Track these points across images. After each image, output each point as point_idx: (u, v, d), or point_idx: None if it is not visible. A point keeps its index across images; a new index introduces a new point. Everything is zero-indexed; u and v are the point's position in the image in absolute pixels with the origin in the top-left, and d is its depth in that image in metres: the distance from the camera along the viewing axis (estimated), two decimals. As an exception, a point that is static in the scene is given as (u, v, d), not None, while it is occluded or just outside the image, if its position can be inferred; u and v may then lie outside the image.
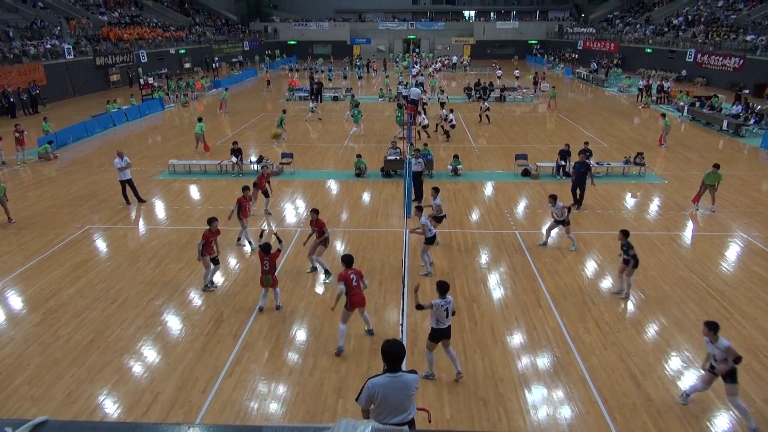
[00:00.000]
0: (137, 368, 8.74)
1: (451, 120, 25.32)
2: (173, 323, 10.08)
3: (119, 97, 35.43)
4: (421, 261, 12.08)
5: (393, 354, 5.01)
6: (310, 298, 10.99)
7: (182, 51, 54.68)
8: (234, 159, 19.48)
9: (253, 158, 20.56)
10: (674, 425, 7.47)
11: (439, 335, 8.18)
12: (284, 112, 26.63)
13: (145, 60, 47.63)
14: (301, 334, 9.71)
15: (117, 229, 14.73)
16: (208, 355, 9.06)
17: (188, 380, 8.41)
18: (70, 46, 38.71)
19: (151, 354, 9.12)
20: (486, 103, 29.38)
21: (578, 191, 15.91)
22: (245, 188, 13.31)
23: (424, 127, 25.31)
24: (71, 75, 38.67)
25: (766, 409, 7.77)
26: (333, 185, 18.47)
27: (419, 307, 8.06)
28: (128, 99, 33.96)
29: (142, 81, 38.83)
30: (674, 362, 8.86)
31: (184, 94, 37.54)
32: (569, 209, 13.14)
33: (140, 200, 16.60)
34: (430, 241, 11.86)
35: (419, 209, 12.08)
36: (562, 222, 13.01)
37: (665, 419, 7.58)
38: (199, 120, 22.68)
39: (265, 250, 10.11)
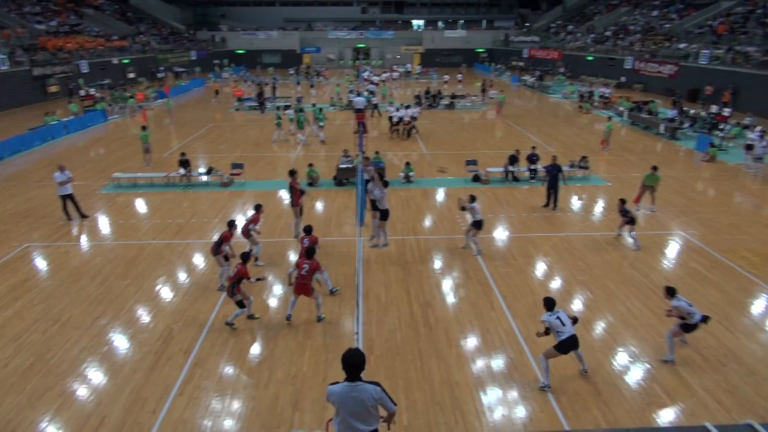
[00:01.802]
0: (82, 391, 8.38)
1: (401, 117, 27.00)
2: (120, 342, 9.72)
3: (59, 109, 34.07)
4: (379, 234, 13.29)
5: (351, 364, 5.00)
6: (263, 311, 10.82)
7: (126, 61, 53.14)
8: (182, 171, 19.03)
9: (202, 169, 20.14)
10: (622, 417, 7.73)
11: (566, 347, 8.17)
12: (302, 111, 27.11)
13: (87, 70, 46.00)
14: (255, 348, 9.54)
15: (58, 246, 14.11)
16: (158, 373, 8.78)
17: (137, 401, 8.12)
18: (5, 57, 37.01)
19: (96, 376, 8.76)
20: (416, 109, 28.61)
21: (552, 193, 16.46)
22: (258, 206, 13.12)
23: (395, 123, 27.39)
24: (6, 86, 36.93)
25: (707, 397, 8.14)
26: (285, 195, 18.27)
27: (546, 332, 8.29)
28: (68, 110, 32.73)
29: (82, 92, 37.48)
30: (621, 357, 9.17)
31: (130, 97, 36.28)
32: (479, 221, 13.19)
33: (83, 216, 15.97)
34: (385, 215, 12.79)
35: (385, 183, 13.01)
36: (480, 223, 13.14)
37: (614, 412, 7.83)
38: (143, 129, 22.05)
39: (243, 259, 10.08)
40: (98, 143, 27.16)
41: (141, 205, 17.40)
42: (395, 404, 5.30)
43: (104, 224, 15.71)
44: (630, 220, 13.57)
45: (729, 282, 11.84)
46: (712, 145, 22.89)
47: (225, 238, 11.34)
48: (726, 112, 26.05)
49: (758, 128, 22.20)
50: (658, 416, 7.80)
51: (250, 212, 16.32)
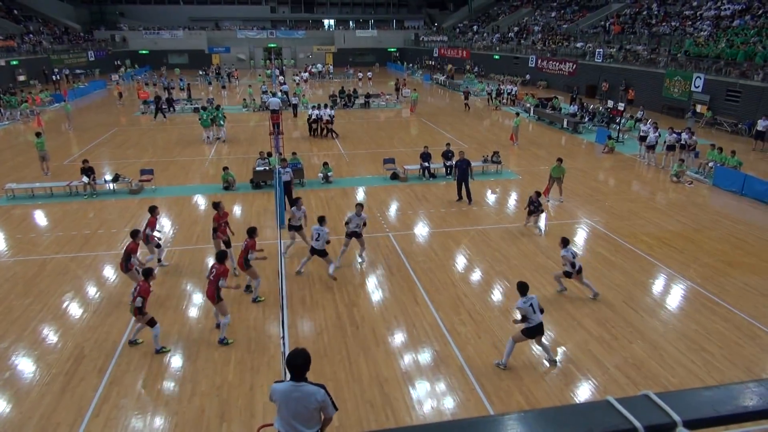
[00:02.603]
0: (-18, 423, 7.68)
1: (320, 115, 27.01)
2: (24, 366, 8.99)
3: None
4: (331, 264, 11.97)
5: (294, 364, 4.97)
6: (183, 320, 10.41)
7: (14, 62, 49.09)
8: (85, 179, 17.86)
9: (108, 177, 19.02)
10: (543, 399, 8.14)
11: (533, 332, 8.54)
12: (218, 107, 27.09)
13: (-32, 73, 42.07)
14: (176, 360, 9.15)
15: (-55, 266, 12.83)
16: (70, 396, 8.21)
17: (47, 427, 7.55)
18: None
19: (-2, 404, 8.07)
20: (328, 111, 28.04)
21: (463, 187, 16.90)
22: (152, 208, 12.39)
23: (313, 121, 27.17)
24: None
25: (617, 373, 8.74)
26: (200, 200, 17.67)
27: (523, 320, 8.58)
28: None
29: (-35, 97, 34.21)
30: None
31: (30, 110, 33.48)
32: (365, 223, 12.77)
33: (-27, 232, 14.62)
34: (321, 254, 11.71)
35: (321, 219, 11.80)
36: (355, 234, 12.57)
37: (535, 395, 8.23)
38: (38, 135, 20.44)
39: (145, 275, 9.37)
40: (-13, 152, 24.91)
41: (41, 218, 16.18)
42: (336, 409, 5.27)
43: (-2, 240, 14.48)
44: (534, 210, 14.70)
45: (631, 264, 12.76)
46: (610, 137, 24.56)
47: (131, 251, 10.75)
48: (620, 106, 27.97)
49: (649, 120, 24.07)
50: (575, 395, 8.28)
51: (164, 220, 15.68)
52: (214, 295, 9.51)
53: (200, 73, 58.07)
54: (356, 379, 8.61)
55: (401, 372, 8.82)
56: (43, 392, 8.31)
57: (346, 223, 12.56)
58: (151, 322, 9.22)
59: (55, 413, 7.84)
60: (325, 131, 27.47)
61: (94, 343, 9.62)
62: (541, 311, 8.71)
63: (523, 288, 8.64)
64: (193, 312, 10.81)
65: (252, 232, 11.00)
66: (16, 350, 9.42)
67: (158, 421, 7.70)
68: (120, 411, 7.90)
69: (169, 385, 8.52)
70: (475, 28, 68.18)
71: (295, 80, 48.27)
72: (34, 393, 8.29)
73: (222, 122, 26.49)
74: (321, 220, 11.77)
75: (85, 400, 8.13)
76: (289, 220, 13.11)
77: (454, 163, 18.11)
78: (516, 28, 58.12)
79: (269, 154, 19.44)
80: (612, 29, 43.14)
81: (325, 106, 28.72)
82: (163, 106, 33.71)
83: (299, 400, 4.96)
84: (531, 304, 8.50)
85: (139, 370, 8.85)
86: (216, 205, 12.52)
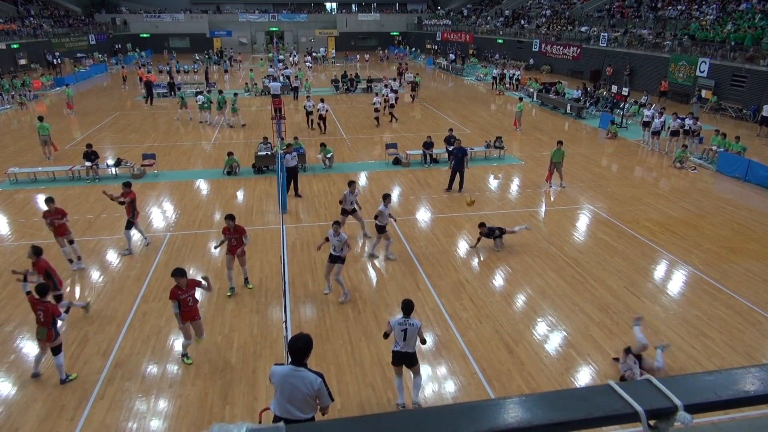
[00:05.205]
0: (-12, 404, 7.76)
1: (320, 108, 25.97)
2: (30, 349, 9.06)
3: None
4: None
5: (294, 348, 5.08)
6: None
7: (15, 45, 48.81)
8: (88, 163, 17.85)
9: (111, 161, 19.01)
10: (543, 383, 8.19)
11: (397, 359, 7.46)
12: (221, 92, 27.03)
13: (-32, 56, 41.85)
14: (179, 344, 9.20)
15: (-51, 250, 12.89)
16: (74, 379, 8.28)
17: (53, 409, 7.64)
18: None
19: (4, 387, 8.14)
20: (392, 93, 28.64)
21: (458, 175, 16.80)
22: (48, 199, 11.79)
23: (309, 113, 26.15)
24: None
25: (617, 359, 8.77)
26: (203, 185, 17.66)
27: (385, 335, 7.60)
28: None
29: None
30: (540, 327, 9.68)
31: (21, 94, 33.41)
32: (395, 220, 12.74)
33: (-24, 216, 14.60)
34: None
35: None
36: (381, 228, 12.09)
37: (536, 379, 8.28)
38: (41, 119, 20.39)
39: (39, 292, 8.04)
40: (-12, 136, 24.89)
41: (43, 202, 16.17)
42: (332, 399, 5.33)
43: (2, 224, 14.51)
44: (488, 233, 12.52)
45: (633, 250, 12.76)
46: (614, 122, 24.41)
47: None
48: (624, 91, 27.72)
49: (653, 106, 23.89)
50: (576, 379, 8.34)
51: (167, 205, 15.70)
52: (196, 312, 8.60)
53: (196, 57, 57.56)
54: (358, 363, 8.67)
55: (403, 356, 8.86)
56: (49, 375, 8.38)
57: (376, 217, 12.12)
58: (56, 350, 8.05)
59: (60, 396, 7.92)
60: (390, 117, 27.47)
61: (98, 326, 9.69)
62: (423, 341, 7.55)
63: (405, 307, 7.34)
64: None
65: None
66: (20, 333, 9.50)
67: (162, 404, 7.78)
68: (124, 393, 7.98)
69: (172, 368, 8.59)
70: (467, 11, 67.48)
71: (306, 63, 49.49)
72: (40, 376, 8.36)
73: (220, 107, 26.42)
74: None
75: (89, 382, 8.20)
76: (340, 202, 13.08)
77: (449, 150, 18.02)
78: (520, 11, 57.50)
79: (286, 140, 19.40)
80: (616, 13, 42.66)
81: (386, 86, 30.03)
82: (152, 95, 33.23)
83: (295, 385, 5.02)
84: (404, 331, 7.22)
85: (143, 354, 8.92)
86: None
